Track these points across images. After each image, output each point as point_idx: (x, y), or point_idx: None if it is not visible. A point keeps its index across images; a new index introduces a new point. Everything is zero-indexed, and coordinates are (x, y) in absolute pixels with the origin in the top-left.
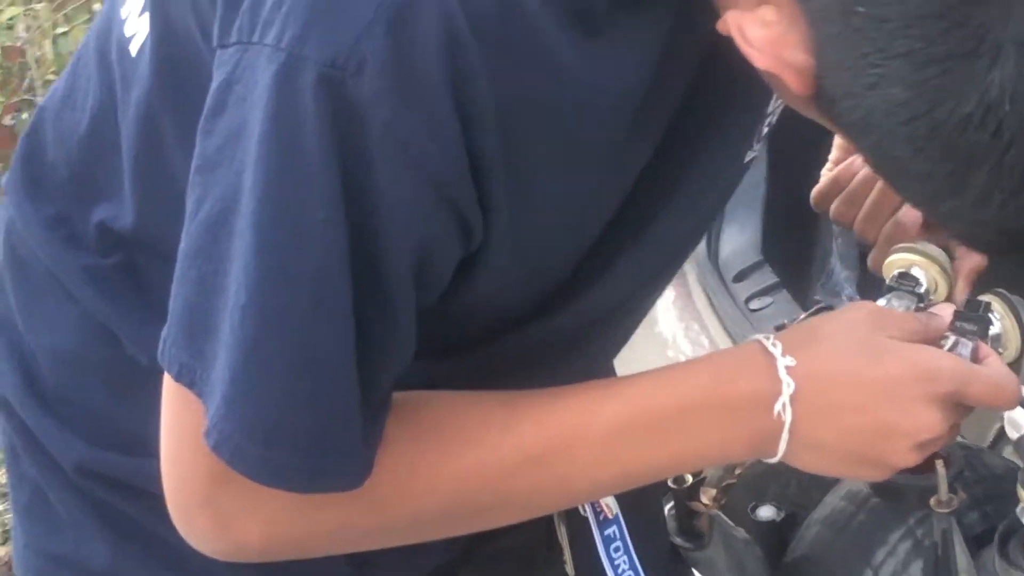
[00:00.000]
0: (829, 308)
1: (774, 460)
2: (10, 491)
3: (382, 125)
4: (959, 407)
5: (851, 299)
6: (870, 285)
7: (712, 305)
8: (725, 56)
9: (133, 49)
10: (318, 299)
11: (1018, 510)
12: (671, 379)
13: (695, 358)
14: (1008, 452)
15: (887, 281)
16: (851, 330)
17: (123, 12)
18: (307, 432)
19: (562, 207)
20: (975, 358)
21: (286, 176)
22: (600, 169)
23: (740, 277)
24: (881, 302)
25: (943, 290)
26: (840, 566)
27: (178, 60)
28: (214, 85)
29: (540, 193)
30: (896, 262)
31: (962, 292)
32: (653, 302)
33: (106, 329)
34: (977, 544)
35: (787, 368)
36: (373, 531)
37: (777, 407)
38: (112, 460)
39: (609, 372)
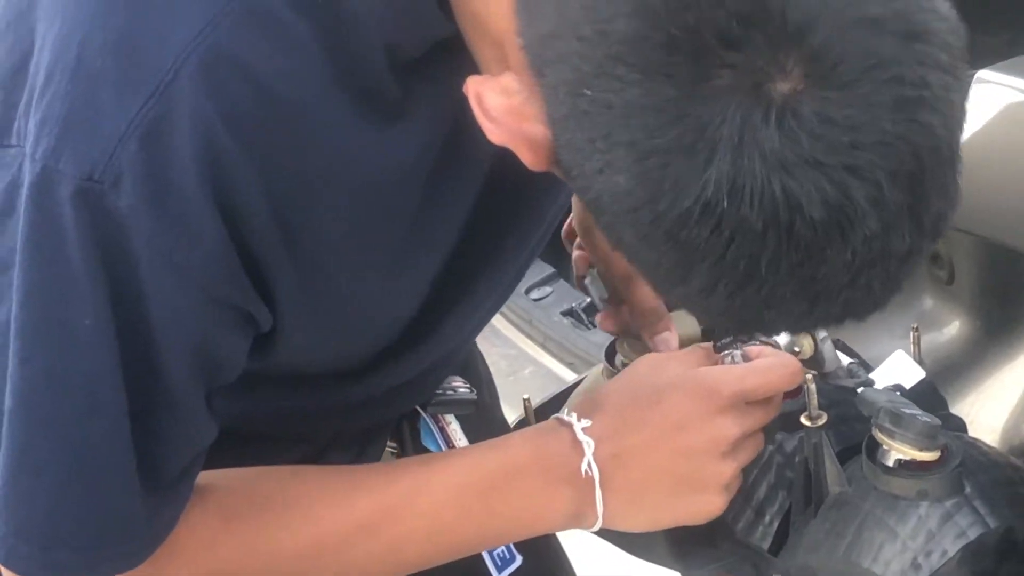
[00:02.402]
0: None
1: (596, 526)
2: None
3: (143, 236)
4: (754, 406)
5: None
6: None
7: None
8: None
9: None
10: (89, 400)
11: (881, 451)
12: (494, 449)
13: (511, 434)
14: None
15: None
16: (630, 383)
17: None
18: (82, 529)
19: (365, 280)
20: (747, 360)
21: (48, 284)
22: (403, 238)
23: None
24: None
25: (808, 348)
26: None
27: None
28: (1, 185)
29: (336, 273)
30: None
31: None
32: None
33: None
34: (839, 460)
35: (584, 429)
36: None
37: (584, 466)
38: None
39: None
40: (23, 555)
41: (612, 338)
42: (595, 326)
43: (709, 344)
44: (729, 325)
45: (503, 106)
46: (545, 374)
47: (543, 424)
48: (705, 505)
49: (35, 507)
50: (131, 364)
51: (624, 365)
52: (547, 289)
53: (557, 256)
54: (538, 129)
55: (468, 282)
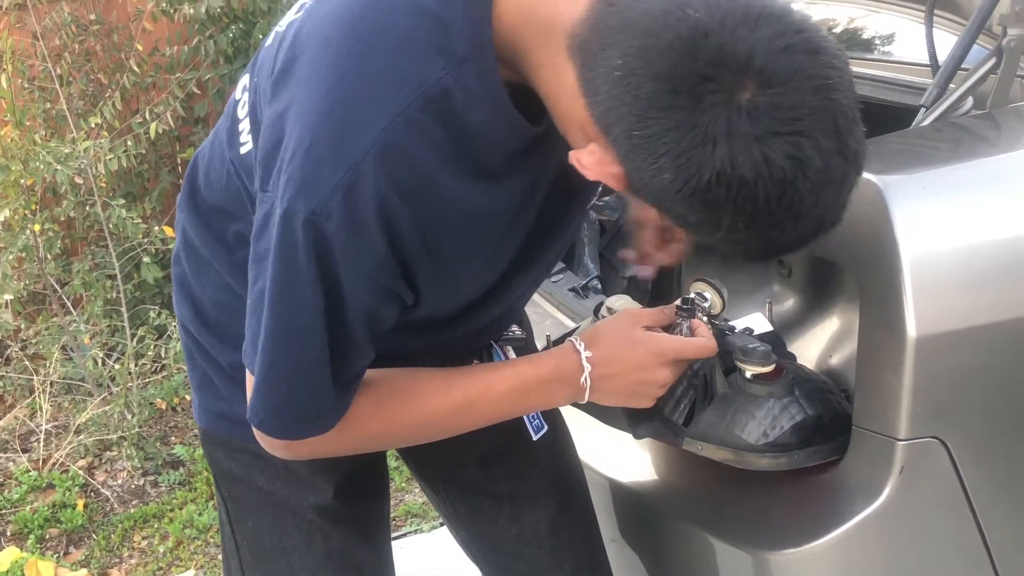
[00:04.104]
0: (609, 311)
1: (585, 403)
2: (189, 374)
3: (341, 248)
4: (682, 362)
5: (596, 275)
6: (607, 268)
7: None
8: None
9: (243, 150)
10: (306, 338)
11: (743, 370)
12: (533, 363)
13: (543, 352)
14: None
15: (690, 295)
16: (618, 329)
17: (241, 126)
18: (301, 409)
19: (470, 268)
20: (692, 331)
21: (287, 271)
22: (495, 245)
23: None
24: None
25: (717, 304)
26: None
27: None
28: (260, 213)
29: (454, 267)
30: (694, 286)
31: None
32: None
33: (238, 292)
34: (724, 375)
35: (586, 357)
36: (368, 442)
37: (582, 379)
38: None
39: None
40: (267, 423)
41: (597, 303)
42: (587, 296)
43: (668, 307)
44: (746, 252)
45: (593, 160)
46: (557, 323)
47: (563, 345)
48: (644, 404)
49: (277, 398)
50: (331, 319)
51: (608, 312)
52: (560, 276)
53: (567, 260)
54: (616, 168)
55: (524, 264)
